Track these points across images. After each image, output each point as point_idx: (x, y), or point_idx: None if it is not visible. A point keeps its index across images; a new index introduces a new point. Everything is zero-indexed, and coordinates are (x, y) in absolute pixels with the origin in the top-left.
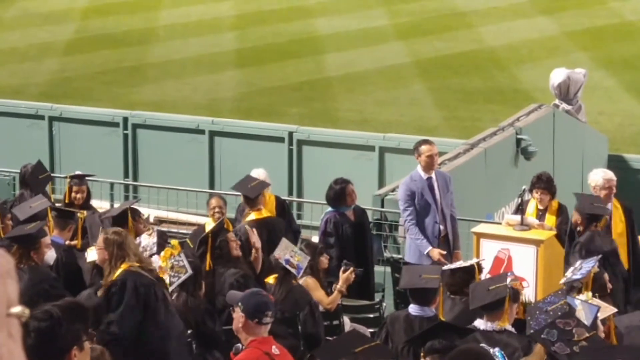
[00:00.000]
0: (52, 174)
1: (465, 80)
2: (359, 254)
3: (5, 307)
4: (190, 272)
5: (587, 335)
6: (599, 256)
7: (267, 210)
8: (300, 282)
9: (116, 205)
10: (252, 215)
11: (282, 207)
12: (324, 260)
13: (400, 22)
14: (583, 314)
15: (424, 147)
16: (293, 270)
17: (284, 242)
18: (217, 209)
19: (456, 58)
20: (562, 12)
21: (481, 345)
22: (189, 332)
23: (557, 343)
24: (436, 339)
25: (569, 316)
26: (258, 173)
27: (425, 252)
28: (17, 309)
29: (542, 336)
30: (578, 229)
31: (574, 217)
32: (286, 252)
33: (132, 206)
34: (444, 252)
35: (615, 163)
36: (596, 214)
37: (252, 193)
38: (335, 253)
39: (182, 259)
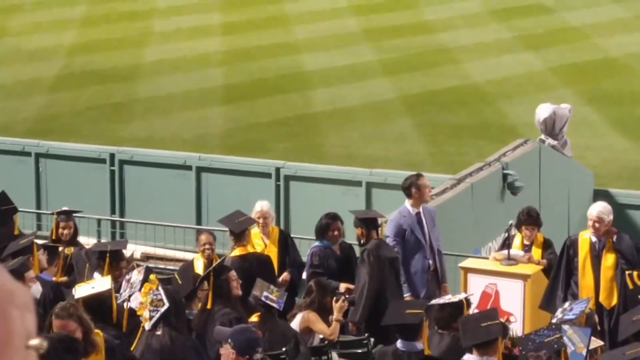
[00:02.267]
0: (38, 210)
1: (451, 115)
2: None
3: (24, 339)
4: (167, 304)
5: None
6: (589, 298)
7: (270, 243)
8: (300, 315)
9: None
10: (237, 251)
11: (285, 240)
12: (335, 305)
13: (386, 58)
14: (577, 338)
15: (423, 181)
16: (274, 305)
17: (259, 281)
18: (207, 245)
19: (442, 93)
20: (547, 47)
21: None
22: None
23: None
24: None
25: (544, 347)
26: (262, 205)
27: (404, 296)
28: (35, 341)
29: None
30: (362, 241)
31: (356, 232)
32: (263, 289)
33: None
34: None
35: (601, 198)
36: (370, 217)
37: (236, 228)
38: None
39: (159, 292)
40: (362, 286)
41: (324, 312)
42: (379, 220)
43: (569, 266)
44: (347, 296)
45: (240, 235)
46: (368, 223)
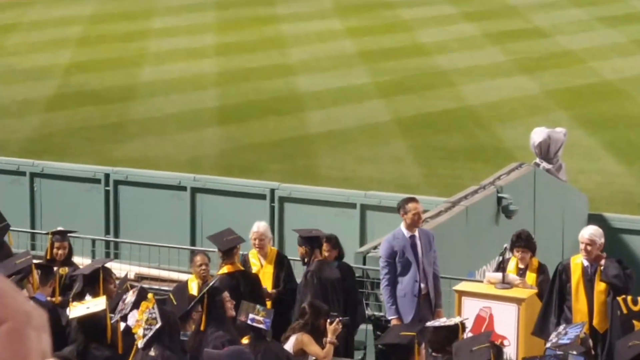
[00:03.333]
0: (33, 230)
1: (446, 138)
2: (340, 311)
3: (40, 358)
4: (159, 323)
5: None
6: (584, 322)
7: (267, 263)
8: (294, 337)
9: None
10: (225, 269)
11: (282, 261)
12: (330, 327)
13: (381, 80)
14: None
15: (410, 205)
16: (261, 326)
17: (244, 303)
18: (203, 266)
19: (437, 116)
20: (542, 71)
21: None
22: None
23: None
24: None
25: None
26: (258, 226)
27: (389, 318)
28: None
29: None
30: (305, 259)
31: (299, 251)
32: (249, 311)
33: (105, 265)
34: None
35: (595, 222)
36: (314, 236)
37: (223, 246)
38: None
39: (155, 311)
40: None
41: (318, 334)
42: (323, 240)
43: (561, 292)
44: (341, 318)
45: (227, 253)
46: (312, 242)
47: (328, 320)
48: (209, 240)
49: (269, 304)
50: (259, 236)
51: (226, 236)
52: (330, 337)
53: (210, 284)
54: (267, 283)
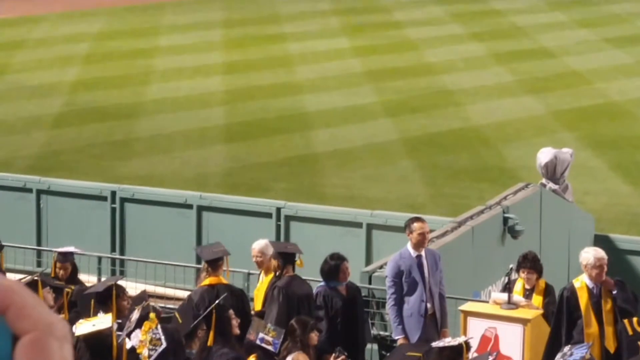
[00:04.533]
0: (39, 247)
1: (452, 158)
2: (348, 331)
3: None
4: (164, 344)
5: None
6: (590, 343)
7: (266, 278)
8: (290, 357)
9: (103, 279)
10: (207, 280)
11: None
12: (314, 336)
13: (388, 100)
14: None
15: (416, 225)
16: (269, 347)
17: (255, 320)
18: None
19: (444, 136)
20: (548, 92)
21: None
22: None
23: None
24: None
25: None
26: (255, 244)
27: (396, 339)
28: None
29: None
30: (277, 273)
31: (273, 264)
32: (259, 330)
33: (117, 282)
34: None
35: (602, 243)
36: (289, 252)
37: (206, 256)
38: (325, 326)
39: (158, 331)
40: (252, 323)
41: (307, 348)
42: (297, 256)
43: (570, 318)
44: (346, 354)
45: (212, 266)
46: (285, 257)
47: (334, 355)
48: (196, 251)
49: None
50: (256, 253)
51: (213, 248)
52: None
53: (217, 302)
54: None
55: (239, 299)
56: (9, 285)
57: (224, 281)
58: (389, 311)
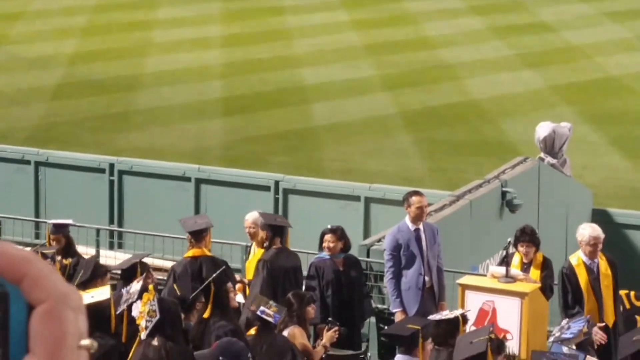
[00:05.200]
0: (37, 219)
1: (451, 132)
2: (341, 303)
3: (77, 339)
4: (158, 315)
5: None
6: (587, 317)
7: (258, 249)
8: (287, 331)
9: (105, 251)
10: (190, 252)
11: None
12: (311, 310)
13: (386, 73)
14: None
15: (414, 199)
16: (269, 319)
17: (258, 296)
18: None
19: (442, 110)
20: (547, 66)
21: None
22: None
23: None
24: None
25: None
26: (248, 216)
27: (394, 311)
28: (86, 341)
29: None
30: (265, 244)
31: (260, 234)
32: (261, 303)
33: (142, 260)
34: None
35: (600, 217)
36: (277, 225)
37: (187, 227)
38: (316, 297)
39: (154, 303)
40: (253, 297)
41: (303, 322)
42: (286, 229)
43: (574, 295)
44: (339, 327)
45: (196, 237)
46: (274, 230)
47: (327, 327)
48: (180, 222)
49: (239, 287)
50: (250, 224)
51: (196, 219)
52: (324, 341)
53: (215, 274)
54: None
55: (223, 271)
56: (24, 256)
57: (208, 253)
58: (387, 284)
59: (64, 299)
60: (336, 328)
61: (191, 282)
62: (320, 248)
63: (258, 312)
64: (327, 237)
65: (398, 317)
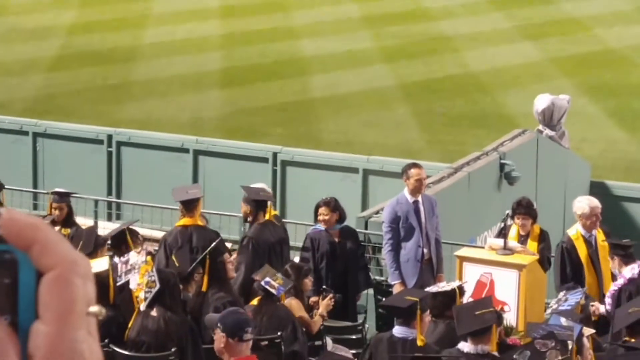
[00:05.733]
0: (35, 190)
1: (449, 104)
2: (335, 275)
3: (85, 306)
4: (158, 286)
5: (560, 358)
6: (585, 288)
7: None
8: (284, 303)
9: (103, 222)
10: (182, 221)
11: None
12: (308, 282)
13: (385, 45)
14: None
15: (413, 171)
16: (273, 291)
17: (266, 266)
18: None
19: (441, 82)
20: (546, 38)
21: None
22: (172, 349)
23: None
24: None
25: (549, 337)
26: (261, 187)
27: (392, 284)
28: (94, 308)
29: (515, 356)
30: (248, 219)
31: (243, 208)
32: (267, 275)
33: (130, 227)
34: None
35: (598, 190)
36: (261, 199)
37: (177, 197)
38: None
39: (153, 274)
40: (238, 274)
41: (300, 294)
42: (268, 204)
43: (573, 270)
44: (334, 294)
45: (187, 207)
46: (257, 204)
47: (322, 295)
48: (173, 192)
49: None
50: None
51: (187, 189)
52: (320, 310)
53: (212, 245)
54: None
55: (212, 241)
56: (33, 223)
57: (199, 222)
58: (386, 257)
59: (73, 266)
60: (331, 296)
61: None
62: (316, 221)
63: (262, 283)
64: (321, 210)
65: (397, 289)
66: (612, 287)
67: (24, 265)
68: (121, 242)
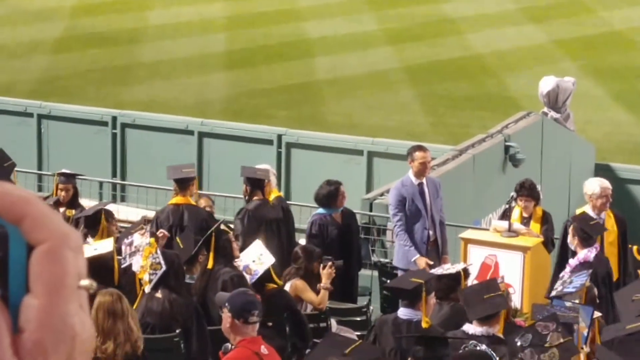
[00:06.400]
0: (40, 171)
1: (453, 86)
2: (343, 257)
3: (77, 279)
4: (164, 268)
5: (562, 341)
6: (589, 270)
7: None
8: (288, 284)
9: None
10: (174, 199)
11: (281, 211)
12: (318, 266)
13: (389, 27)
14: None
15: (418, 154)
16: (248, 277)
17: (255, 245)
18: (206, 209)
19: (445, 64)
20: (551, 20)
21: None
22: (177, 331)
23: (526, 349)
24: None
25: (552, 319)
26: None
27: (412, 260)
28: (85, 281)
29: (516, 340)
30: (246, 197)
31: (243, 188)
32: (250, 257)
33: (105, 207)
34: (431, 263)
35: (602, 172)
36: (257, 178)
37: (171, 175)
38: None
39: (158, 255)
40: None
41: (311, 278)
42: (265, 182)
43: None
44: (334, 262)
45: (181, 185)
46: (253, 183)
47: (322, 265)
48: (167, 171)
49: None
50: None
51: (181, 168)
52: (324, 282)
53: (215, 225)
54: None
55: (204, 221)
56: (24, 196)
57: (192, 202)
58: (398, 238)
59: (65, 239)
60: (330, 264)
61: (172, 229)
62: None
63: (242, 268)
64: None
65: (420, 263)
66: (566, 269)
67: (14, 238)
68: (96, 223)
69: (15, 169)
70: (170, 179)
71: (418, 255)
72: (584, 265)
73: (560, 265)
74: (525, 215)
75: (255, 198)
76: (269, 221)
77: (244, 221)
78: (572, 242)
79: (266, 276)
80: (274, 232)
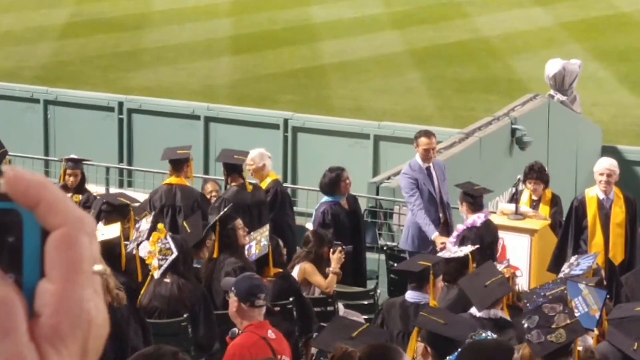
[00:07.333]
0: (46, 157)
1: (460, 69)
2: (354, 243)
3: (91, 264)
4: (175, 253)
5: (568, 322)
6: (597, 253)
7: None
8: (297, 268)
9: (115, 189)
10: (169, 179)
11: (275, 194)
12: (327, 250)
13: (395, 11)
14: (592, 299)
15: (422, 140)
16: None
17: (260, 230)
18: (213, 193)
19: (451, 47)
20: (557, 3)
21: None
22: (184, 315)
23: (533, 330)
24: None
25: (559, 301)
26: (253, 152)
27: (432, 238)
28: (99, 266)
29: (523, 322)
30: (225, 183)
31: (223, 173)
32: (251, 240)
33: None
34: (450, 240)
35: (609, 154)
36: (231, 163)
37: (165, 156)
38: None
39: (168, 241)
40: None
41: (321, 262)
42: (243, 166)
43: (578, 227)
44: (344, 247)
45: (174, 165)
46: (229, 167)
47: (331, 249)
48: (163, 152)
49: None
50: (248, 162)
51: (177, 150)
52: (333, 266)
53: (223, 212)
54: None
55: (195, 201)
56: (39, 181)
57: (185, 182)
58: (417, 216)
59: (80, 224)
60: (340, 248)
61: (164, 209)
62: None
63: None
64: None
65: (439, 241)
66: (454, 233)
67: (28, 223)
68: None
69: (21, 155)
70: (164, 159)
71: (437, 233)
72: (470, 230)
73: (562, 241)
74: (534, 198)
75: (233, 184)
76: (249, 206)
77: (220, 209)
78: (461, 210)
79: (264, 260)
80: (254, 217)
